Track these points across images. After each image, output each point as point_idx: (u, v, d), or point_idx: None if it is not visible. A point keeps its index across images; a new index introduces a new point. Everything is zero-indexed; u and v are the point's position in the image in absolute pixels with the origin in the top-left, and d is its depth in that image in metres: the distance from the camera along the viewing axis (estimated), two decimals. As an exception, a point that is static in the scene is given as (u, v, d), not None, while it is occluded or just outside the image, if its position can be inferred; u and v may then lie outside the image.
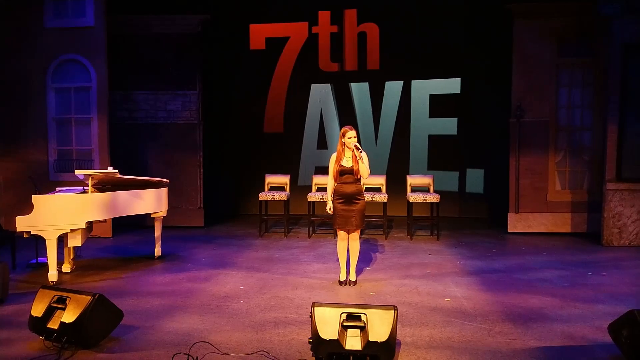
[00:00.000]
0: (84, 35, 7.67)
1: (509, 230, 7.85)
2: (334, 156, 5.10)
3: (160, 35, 8.45)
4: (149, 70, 8.51)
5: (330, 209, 5.12)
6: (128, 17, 8.36)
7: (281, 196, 7.67)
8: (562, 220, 7.81)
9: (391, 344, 3.19)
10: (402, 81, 9.28)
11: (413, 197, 7.47)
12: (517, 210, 7.90)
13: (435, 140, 9.21)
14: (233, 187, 9.70)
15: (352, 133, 4.97)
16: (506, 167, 8.10)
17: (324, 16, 9.27)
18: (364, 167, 4.90)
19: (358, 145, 4.92)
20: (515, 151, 7.86)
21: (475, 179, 9.21)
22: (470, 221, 8.85)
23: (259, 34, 9.43)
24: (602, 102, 7.48)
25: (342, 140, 5.03)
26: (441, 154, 9.16)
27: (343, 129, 5.05)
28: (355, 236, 5.12)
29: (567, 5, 7.64)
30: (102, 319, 3.64)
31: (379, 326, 3.20)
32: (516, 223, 7.89)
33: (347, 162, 5.02)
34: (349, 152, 5.02)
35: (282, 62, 9.47)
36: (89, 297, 3.55)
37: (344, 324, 3.24)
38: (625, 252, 6.59)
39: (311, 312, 3.30)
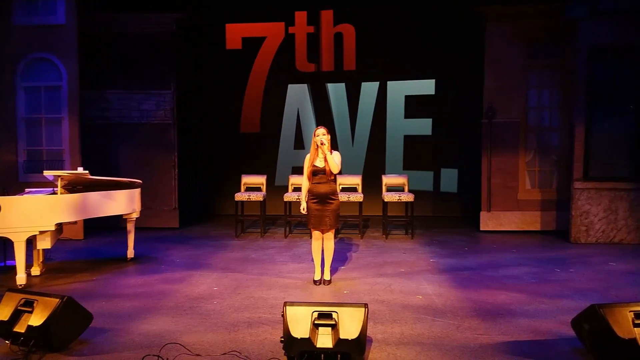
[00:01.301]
0: (55, 33, 7.52)
1: (481, 229, 8.00)
2: (307, 157, 5.14)
3: (134, 34, 8.34)
4: (122, 69, 8.40)
5: (303, 209, 5.15)
6: (101, 15, 8.23)
7: (257, 196, 7.66)
8: (532, 218, 8.00)
9: (362, 341, 3.23)
10: (378, 82, 9.38)
11: (388, 196, 7.56)
12: (489, 208, 8.06)
13: (410, 141, 9.33)
14: (209, 188, 9.64)
15: (321, 131, 5.02)
16: (479, 167, 8.25)
17: (301, 16, 9.30)
18: (332, 161, 4.93)
19: (323, 140, 4.94)
20: (487, 151, 8.03)
21: (449, 178, 9.36)
22: (444, 220, 8.99)
23: (235, 33, 9.40)
24: (569, 103, 7.69)
25: (314, 139, 5.07)
26: (416, 154, 9.28)
27: (315, 129, 5.10)
28: (329, 236, 5.16)
29: (536, 7, 7.83)
30: (71, 321, 3.59)
31: (350, 324, 3.24)
32: (488, 221, 8.06)
33: (320, 162, 5.06)
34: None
35: (259, 62, 9.46)
36: (57, 300, 3.49)
37: (316, 322, 3.26)
38: (592, 249, 6.79)
39: (283, 311, 3.32)
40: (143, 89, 8.44)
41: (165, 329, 3.96)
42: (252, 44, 9.36)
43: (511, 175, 8.03)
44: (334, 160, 4.97)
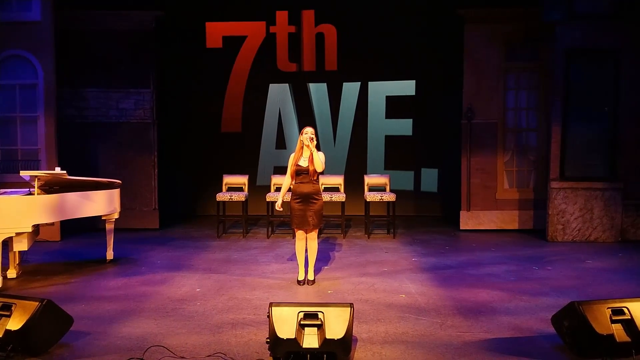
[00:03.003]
0: (30, 30, 7.33)
1: (461, 228, 8.11)
2: (292, 156, 5.14)
3: (112, 31, 8.18)
4: (99, 67, 8.22)
5: (278, 206, 5.15)
6: (78, 12, 8.05)
7: (239, 197, 7.62)
8: (510, 217, 8.15)
9: (347, 341, 3.25)
10: (360, 82, 9.40)
11: (370, 196, 7.60)
12: (469, 208, 8.18)
13: (391, 141, 9.39)
14: (189, 188, 9.52)
15: (309, 129, 5.05)
16: (458, 167, 8.35)
17: (282, 16, 9.26)
18: (317, 158, 4.94)
19: (313, 137, 4.97)
20: (467, 151, 8.14)
21: (430, 178, 9.45)
22: (425, 219, 9.08)
23: (216, 32, 9.31)
24: (546, 105, 7.86)
25: (300, 138, 5.07)
26: (397, 154, 9.35)
27: (302, 129, 5.11)
28: (313, 235, 5.17)
29: (514, 11, 7.97)
30: (51, 325, 3.51)
31: (336, 324, 3.25)
32: (467, 220, 8.17)
33: (303, 162, 5.06)
34: (307, 152, 5.06)
35: (240, 61, 9.39)
36: (37, 303, 3.41)
37: (301, 322, 3.27)
38: (568, 247, 6.96)
39: (269, 312, 3.31)
40: (121, 88, 8.29)
41: (147, 332, 3.91)
42: (233, 43, 9.29)
43: (490, 175, 8.16)
44: (320, 158, 4.98)
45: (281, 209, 5.17)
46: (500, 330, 3.89)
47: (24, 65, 7.44)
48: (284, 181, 5.19)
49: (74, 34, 8.06)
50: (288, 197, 5.23)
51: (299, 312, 3.30)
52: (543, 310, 4.30)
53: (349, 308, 3.30)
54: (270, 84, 9.43)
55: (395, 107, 9.34)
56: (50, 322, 3.49)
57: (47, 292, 4.90)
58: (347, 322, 3.24)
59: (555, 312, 3.67)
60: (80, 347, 3.62)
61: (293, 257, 6.07)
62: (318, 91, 9.48)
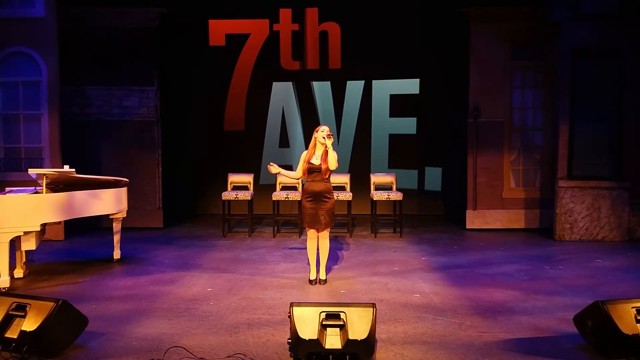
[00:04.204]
0: (34, 26, 7.23)
1: (467, 227, 8.09)
2: (304, 153, 5.09)
3: (115, 29, 8.09)
4: (102, 65, 8.12)
5: (275, 168, 4.96)
6: (80, 9, 7.94)
7: (245, 195, 7.55)
8: (516, 216, 8.14)
9: (371, 342, 3.20)
10: (363, 81, 9.36)
11: (377, 195, 7.56)
12: (475, 207, 8.16)
13: (395, 139, 9.36)
14: (193, 187, 9.45)
15: (325, 127, 5.00)
16: (462, 166, 8.33)
17: (285, 14, 9.20)
18: (331, 156, 4.88)
19: (330, 134, 4.91)
20: (473, 150, 8.11)
21: (434, 177, 9.43)
22: (429, 218, 9.05)
23: (219, 29, 9.24)
24: (552, 103, 7.85)
25: (315, 135, 5.02)
26: (401, 152, 9.31)
27: (318, 127, 5.06)
28: (324, 235, 5.12)
29: (520, 9, 7.94)
30: (66, 326, 3.44)
31: (359, 324, 3.20)
32: (474, 219, 8.15)
33: (316, 160, 5.01)
34: (320, 150, 5.01)
35: (243, 59, 9.32)
36: (52, 303, 3.34)
37: (324, 323, 3.22)
38: (576, 246, 6.95)
39: (290, 312, 3.26)
40: (125, 86, 8.19)
41: (162, 332, 3.85)
42: (236, 41, 9.21)
43: (496, 174, 8.14)
44: (334, 156, 4.93)
45: (272, 166, 4.99)
46: (520, 330, 3.86)
47: (27, 62, 7.34)
48: (294, 171, 5.17)
49: (76, 32, 7.95)
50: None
51: (321, 313, 3.25)
52: (560, 309, 4.28)
53: (372, 308, 3.25)
54: (273, 83, 9.36)
55: (399, 105, 9.30)
56: (66, 322, 3.43)
57: (57, 292, 4.83)
58: (370, 323, 3.19)
59: (574, 311, 3.67)
60: (96, 349, 3.55)
61: (296, 255, 6.04)
62: (322, 90, 9.43)
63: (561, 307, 4.34)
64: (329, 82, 9.38)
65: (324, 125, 5.08)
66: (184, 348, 3.49)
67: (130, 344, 3.63)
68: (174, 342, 3.63)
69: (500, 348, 3.54)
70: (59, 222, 5.51)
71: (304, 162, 5.03)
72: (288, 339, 3.27)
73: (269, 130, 9.42)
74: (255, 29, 9.25)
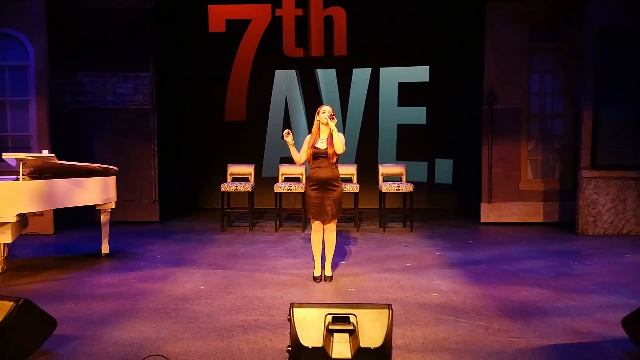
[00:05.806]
0: (20, 7, 6.78)
1: (481, 221, 7.59)
2: (307, 138, 4.60)
3: (109, 10, 7.63)
4: (95, 50, 7.68)
5: (286, 134, 4.36)
6: (71, -11, 7.51)
7: (245, 187, 7.08)
8: (534, 209, 7.63)
9: (387, 351, 2.72)
10: (370, 68, 8.90)
11: (386, 187, 7.07)
12: (490, 200, 7.65)
13: (404, 130, 8.89)
14: (191, 179, 9.01)
15: (327, 107, 4.49)
16: (474, 157, 7.88)
17: (288, -2, 8.73)
18: (337, 139, 4.38)
19: (333, 115, 4.38)
20: (488, 139, 7.61)
21: (444, 169, 8.96)
22: (440, 212, 8.57)
23: (219, 15, 8.78)
24: (574, 89, 7.34)
25: (317, 118, 4.53)
26: (410, 143, 8.85)
27: (319, 107, 4.56)
28: (331, 227, 4.64)
29: (539, -12, 7.44)
30: (29, 329, 2.98)
31: (372, 329, 2.72)
32: (489, 213, 7.65)
33: (321, 144, 4.52)
34: (325, 132, 4.53)
35: (244, 46, 8.87)
36: (11, 303, 2.88)
37: (330, 327, 2.74)
38: (601, 241, 6.44)
39: (289, 315, 2.78)
40: (119, 71, 7.74)
41: (144, 336, 3.38)
42: (237, 27, 8.76)
43: (513, 165, 7.64)
44: (340, 139, 4.44)
45: (289, 134, 4.36)
46: (556, 335, 3.36)
47: (13, 45, 6.90)
48: (300, 155, 4.57)
49: (67, 14, 7.51)
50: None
51: (327, 315, 2.77)
52: (598, 310, 3.78)
53: (387, 310, 2.77)
54: (276, 70, 8.93)
55: (408, 94, 8.84)
56: (29, 325, 2.96)
57: (33, 289, 4.38)
58: (386, 328, 2.71)
59: (613, 312, 3.24)
60: (64, 355, 3.08)
61: (299, 249, 5.57)
62: (326, 78, 8.97)
63: (598, 307, 3.84)
64: (334, 70, 8.92)
65: (325, 105, 4.56)
66: (164, 356, 3.01)
67: (105, 349, 3.16)
68: (155, 348, 3.16)
69: (536, 356, 3.05)
70: (41, 213, 5.04)
71: (309, 147, 4.54)
72: (288, 346, 2.79)
73: (272, 120, 8.97)
74: (257, 14, 8.80)
